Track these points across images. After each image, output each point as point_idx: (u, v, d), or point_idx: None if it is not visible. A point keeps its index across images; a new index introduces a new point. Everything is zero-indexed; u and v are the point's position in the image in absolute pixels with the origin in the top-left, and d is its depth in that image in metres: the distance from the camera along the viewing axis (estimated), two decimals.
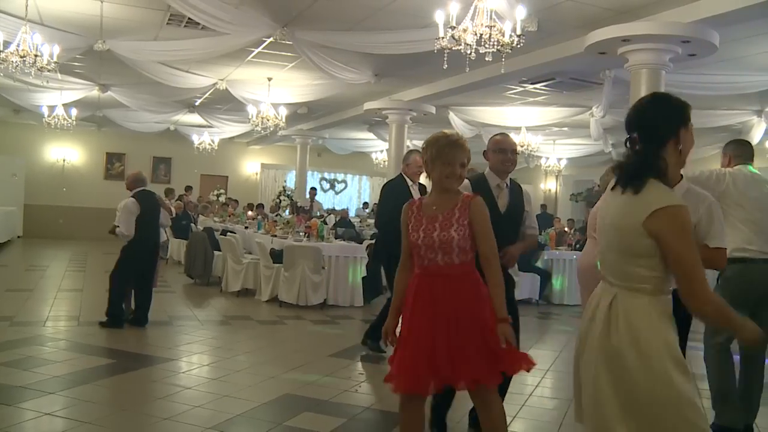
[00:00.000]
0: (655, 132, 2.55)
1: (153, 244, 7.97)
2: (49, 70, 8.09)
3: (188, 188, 18.52)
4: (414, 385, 3.32)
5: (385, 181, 7.26)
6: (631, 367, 2.38)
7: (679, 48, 7.43)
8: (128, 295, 7.86)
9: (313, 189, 18.17)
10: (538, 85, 11.07)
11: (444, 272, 3.31)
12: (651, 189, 2.44)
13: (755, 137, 12.49)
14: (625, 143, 2.60)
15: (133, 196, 7.75)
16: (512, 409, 4.97)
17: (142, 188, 7.87)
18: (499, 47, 5.73)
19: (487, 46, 5.70)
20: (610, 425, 2.40)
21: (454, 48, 5.89)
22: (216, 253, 11.60)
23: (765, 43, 8.20)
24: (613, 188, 2.61)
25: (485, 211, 3.34)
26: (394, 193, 6.74)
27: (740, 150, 4.89)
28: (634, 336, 2.40)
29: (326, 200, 22.91)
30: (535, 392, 5.81)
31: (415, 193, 6.78)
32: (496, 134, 4.56)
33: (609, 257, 2.58)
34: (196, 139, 19.02)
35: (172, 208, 7.68)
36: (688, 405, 2.35)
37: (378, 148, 20.45)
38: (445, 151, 3.30)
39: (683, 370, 2.40)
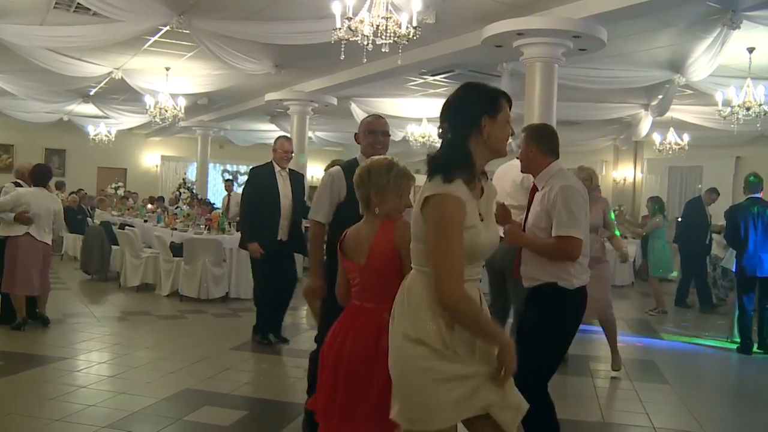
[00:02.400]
0: (459, 121, 2.50)
1: None
2: None
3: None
4: None
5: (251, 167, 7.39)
6: None
7: (570, 42, 7.71)
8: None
9: (229, 181, 17.20)
10: (438, 77, 11.24)
11: None
12: (434, 179, 2.42)
13: (643, 130, 13.12)
14: (439, 134, 2.56)
15: None
16: None
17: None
18: (395, 39, 5.78)
19: (383, 37, 5.74)
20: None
21: (351, 39, 5.91)
22: (114, 247, 11.25)
23: (649, 40, 8.62)
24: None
25: None
26: (256, 178, 6.97)
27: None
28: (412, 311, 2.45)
29: None
30: None
31: (282, 180, 6.91)
32: (368, 116, 4.46)
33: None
34: (91, 130, 18.23)
35: None
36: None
37: None
38: (403, 182, 3.08)
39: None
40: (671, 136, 13.54)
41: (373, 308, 3.00)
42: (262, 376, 5.90)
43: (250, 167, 7.36)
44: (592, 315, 6.33)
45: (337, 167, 4.27)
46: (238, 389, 5.36)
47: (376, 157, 3.20)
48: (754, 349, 7.57)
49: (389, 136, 4.30)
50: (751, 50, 8.51)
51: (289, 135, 11.77)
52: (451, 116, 2.51)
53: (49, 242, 7.48)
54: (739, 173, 15.32)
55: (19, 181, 7.70)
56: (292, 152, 7.17)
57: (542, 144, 3.72)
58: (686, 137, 13.60)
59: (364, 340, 2.96)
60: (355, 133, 4.38)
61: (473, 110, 2.49)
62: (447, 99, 2.56)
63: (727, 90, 9.17)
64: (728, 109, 9.11)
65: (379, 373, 2.79)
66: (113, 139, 18.52)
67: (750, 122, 9.53)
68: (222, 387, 5.37)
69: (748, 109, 8.90)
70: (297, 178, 7.13)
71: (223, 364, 6.08)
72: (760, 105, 8.85)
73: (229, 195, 15.59)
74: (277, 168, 6.95)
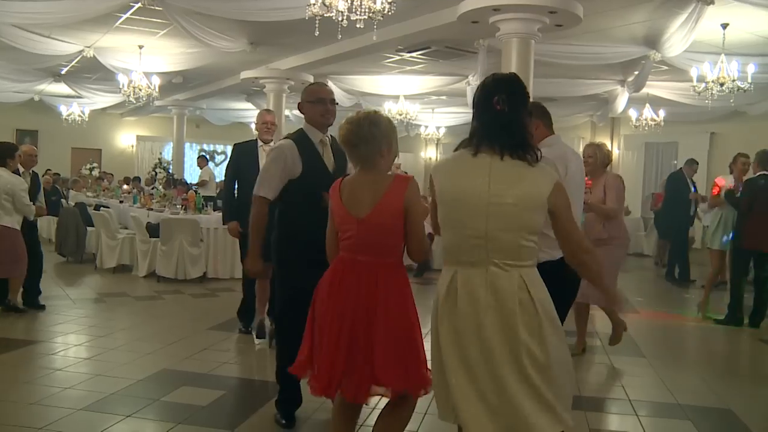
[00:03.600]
0: (525, 104, 2.62)
1: None
2: None
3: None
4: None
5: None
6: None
7: (546, 18, 7.71)
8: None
9: (202, 158, 16.89)
10: (414, 54, 11.19)
11: None
12: (538, 165, 2.51)
13: (620, 106, 13.17)
14: (490, 103, 2.55)
15: None
16: None
17: None
18: (370, 14, 5.73)
19: (358, 13, 5.69)
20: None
21: (325, 15, 5.85)
22: (89, 228, 11.14)
23: (625, 16, 8.63)
24: (475, 154, 2.56)
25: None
26: (237, 154, 6.47)
27: None
28: (544, 309, 2.52)
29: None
30: None
31: (262, 154, 6.18)
32: (311, 84, 4.21)
33: (499, 235, 2.49)
34: (64, 110, 17.94)
35: None
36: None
37: None
38: (395, 129, 3.19)
39: None
40: (647, 112, 13.63)
41: (371, 261, 3.04)
42: (240, 354, 5.89)
43: (234, 144, 6.79)
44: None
45: (289, 141, 3.98)
46: (216, 369, 5.35)
47: (363, 111, 3.14)
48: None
49: (336, 103, 4.09)
50: (725, 26, 8.55)
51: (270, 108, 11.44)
52: (519, 97, 2.60)
53: (12, 225, 7.01)
54: (714, 149, 15.48)
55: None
56: (273, 123, 6.59)
57: (545, 119, 3.92)
58: (662, 113, 13.70)
59: (366, 294, 3.01)
60: (299, 103, 4.10)
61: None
62: (509, 77, 2.68)
63: (701, 66, 9.22)
64: (702, 85, 9.17)
65: (386, 327, 2.96)
66: (87, 119, 18.24)
67: (724, 98, 9.61)
68: (200, 367, 5.35)
69: (721, 84, 8.97)
70: None
71: (200, 344, 6.06)
72: (734, 81, 8.92)
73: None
74: (260, 143, 6.39)
